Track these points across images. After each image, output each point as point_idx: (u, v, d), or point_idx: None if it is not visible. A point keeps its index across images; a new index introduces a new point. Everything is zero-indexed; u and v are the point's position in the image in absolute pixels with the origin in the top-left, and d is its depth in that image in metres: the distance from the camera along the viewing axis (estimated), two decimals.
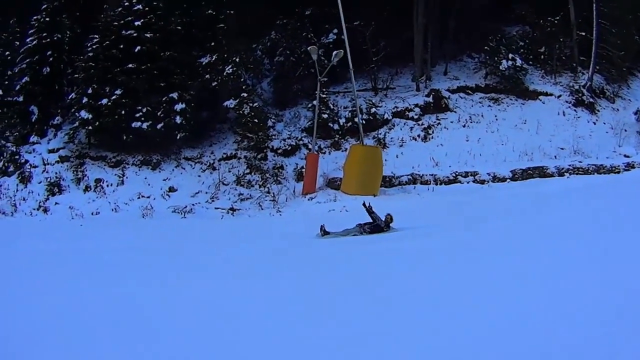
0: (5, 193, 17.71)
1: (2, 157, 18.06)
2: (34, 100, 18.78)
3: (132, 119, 16.45)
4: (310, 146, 16.66)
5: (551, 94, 18.90)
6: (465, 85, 18.83)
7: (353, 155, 15.13)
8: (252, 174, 15.92)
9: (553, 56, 19.26)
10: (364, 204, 10.14)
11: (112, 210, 15.60)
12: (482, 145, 17.73)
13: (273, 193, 15.02)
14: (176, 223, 14.38)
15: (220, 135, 17.29)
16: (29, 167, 17.60)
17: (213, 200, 15.51)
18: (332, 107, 16.90)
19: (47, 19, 19.18)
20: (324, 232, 9.88)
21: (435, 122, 17.84)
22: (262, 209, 14.80)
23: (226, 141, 17.03)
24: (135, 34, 17.13)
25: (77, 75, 17.34)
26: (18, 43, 19.63)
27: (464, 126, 18.05)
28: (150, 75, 16.65)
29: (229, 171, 16.13)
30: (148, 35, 16.80)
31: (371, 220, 9.85)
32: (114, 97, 16.53)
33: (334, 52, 15.42)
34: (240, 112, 15.96)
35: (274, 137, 16.26)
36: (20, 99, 18.85)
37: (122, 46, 17.08)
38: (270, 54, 18.64)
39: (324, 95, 16.92)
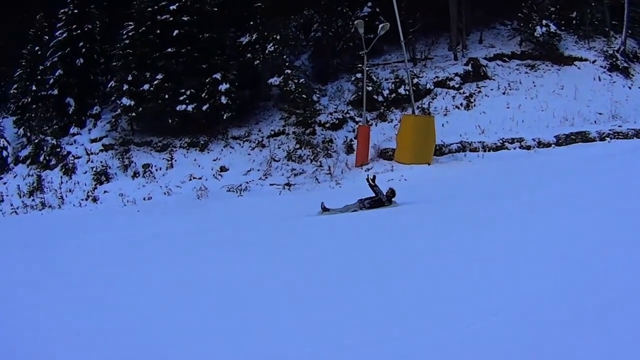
0: (49, 186, 17.45)
1: (42, 151, 17.73)
2: (69, 92, 18.49)
3: (176, 102, 16.18)
4: (357, 119, 16.48)
5: (586, 59, 18.81)
6: (501, 53, 18.72)
7: (406, 125, 14.97)
8: (302, 148, 15.70)
9: (585, 21, 19.17)
10: (367, 178, 9.95)
11: (165, 194, 15.33)
12: (523, 112, 17.61)
13: (329, 166, 14.81)
14: (238, 201, 14.16)
15: (265, 112, 17.05)
16: (72, 158, 17.28)
17: (266, 177, 15.27)
18: (375, 79, 16.71)
19: (76, 10, 18.89)
20: (324, 209, 9.70)
21: (475, 90, 17.71)
22: (318, 183, 14.59)
23: (272, 118, 16.80)
24: (171, 18, 16.86)
25: (114, 64, 17.02)
26: (47, 37, 19.30)
27: (503, 93, 17.92)
28: (191, 58, 16.38)
29: (279, 147, 15.89)
30: (185, 18, 16.53)
31: (372, 195, 9.64)
32: (155, 82, 16.26)
33: (380, 25, 15.26)
34: (287, 88, 15.73)
35: (320, 111, 16.03)
36: (55, 92, 18.54)
37: (158, 31, 16.81)
38: (305, 30, 18.38)
39: (367, 68, 16.74)
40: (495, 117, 17.35)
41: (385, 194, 9.58)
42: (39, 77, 18.77)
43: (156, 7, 17.10)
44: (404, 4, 18.05)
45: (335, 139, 16.00)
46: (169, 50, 16.47)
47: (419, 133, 14.94)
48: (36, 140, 17.74)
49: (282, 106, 16.60)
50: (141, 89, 16.32)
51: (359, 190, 14.12)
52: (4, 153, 18.66)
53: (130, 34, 16.90)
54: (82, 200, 16.15)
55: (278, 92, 16.97)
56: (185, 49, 16.37)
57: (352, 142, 15.82)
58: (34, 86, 18.64)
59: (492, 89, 17.97)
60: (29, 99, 18.67)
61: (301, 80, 15.73)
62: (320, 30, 17.77)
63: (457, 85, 17.58)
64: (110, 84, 17.16)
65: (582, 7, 19.37)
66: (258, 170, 15.52)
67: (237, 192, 14.70)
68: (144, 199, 15.34)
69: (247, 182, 14.97)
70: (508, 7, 19.39)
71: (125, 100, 16.38)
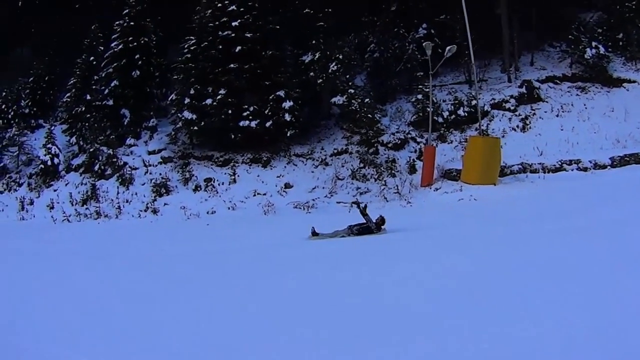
0: (105, 196, 17.17)
1: (97, 161, 17.49)
2: (125, 103, 18.31)
3: (238, 117, 16.04)
4: (418, 139, 16.44)
5: (634, 81, 18.93)
6: (552, 75, 18.84)
7: (473, 146, 14.94)
8: (366, 168, 15.59)
9: (632, 42, 19.34)
10: (357, 205, 9.90)
11: (229, 208, 15.12)
12: (577, 134, 17.68)
13: (396, 185, 14.70)
14: (306, 217, 13.99)
15: (327, 131, 16.97)
16: (129, 169, 17.05)
17: (332, 195, 15.12)
18: (435, 100, 16.69)
19: (132, 23, 18.76)
20: (314, 234, 9.61)
21: (530, 112, 17.75)
22: (387, 201, 14.46)
23: (334, 137, 16.71)
24: (233, 35, 16.77)
25: (175, 77, 16.86)
26: (102, 48, 19.10)
27: (557, 116, 17.99)
28: (253, 75, 16.28)
29: (342, 166, 15.78)
30: (248, 35, 16.45)
31: (361, 222, 9.60)
32: (218, 97, 16.11)
33: (448, 48, 15.27)
34: (351, 108, 15.65)
35: (383, 131, 15.94)
36: (110, 102, 18.37)
37: (220, 46, 16.71)
38: (360, 50, 18.36)
39: (427, 90, 16.73)
40: (550, 139, 17.40)
41: (375, 221, 9.52)
42: (94, 86, 18.61)
43: (217, 22, 17.05)
44: (459, 26, 18.17)
45: (398, 159, 15.92)
46: (232, 65, 16.38)
47: (486, 154, 14.92)
48: (91, 149, 17.52)
49: (343, 125, 16.53)
50: (203, 103, 16.21)
51: (431, 210, 14.15)
52: (56, 160, 18.40)
53: (191, 48, 16.80)
54: (141, 211, 15.90)
55: (338, 111, 16.92)
56: (248, 65, 16.29)
57: (415, 163, 15.77)
58: (88, 95, 18.45)
59: (545, 111, 18.04)
60: (83, 108, 18.46)
61: (365, 100, 15.67)
62: (378, 50, 17.78)
63: (512, 108, 17.62)
64: (170, 96, 17.01)
65: (628, 28, 19.55)
66: (323, 187, 15.38)
67: (304, 209, 14.54)
68: (207, 213, 15.14)
69: (313, 200, 14.82)
70: (557, 29, 19.58)
71: (187, 114, 16.21)
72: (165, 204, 15.80)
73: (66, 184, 18.54)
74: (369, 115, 15.44)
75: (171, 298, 6.02)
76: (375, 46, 17.99)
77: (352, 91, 16.00)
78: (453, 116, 16.79)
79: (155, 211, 15.66)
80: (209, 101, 16.14)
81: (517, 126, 17.49)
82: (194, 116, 16.12)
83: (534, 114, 18.00)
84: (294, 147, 16.48)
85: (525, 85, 18.14)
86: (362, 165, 15.77)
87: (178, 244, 11.34)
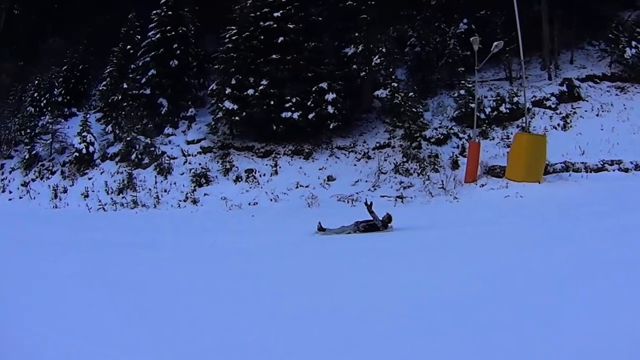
0: (142, 185, 16.89)
1: (134, 150, 17.20)
2: (162, 92, 18.01)
3: (281, 109, 15.73)
4: (460, 135, 16.12)
5: None
6: (592, 74, 18.41)
7: (520, 143, 14.62)
8: (409, 162, 15.27)
9: None
10: (365, 202, 9.72)
11: (271, 200, 14.82)
12: (617, 134, 17.26)
13: (441, 181, 14.39)
14: (351, 210, 13.69)
15: (368, 124, 16.63)
16: (167, 158, 16.76)
17: (375, 189, 14.80)
18: (477, 96, 16.38)
19: (170, 12, 18.45)
20: (320, 229, 9.46)
21: (571, 111, 17.40)
22: (432, 196, 14.17)
23: (376, 130, 16.37)
24: (275, 25, 16.47)
25: (216, 67, 16.56)
26: (139, 37, 18.82)
27: (597, 115, 17.61)
28: (296, 66, 15.95)
29: (385, 160, 15.43)
30: (291, 26, 16.14)
31: (369, 219, 9.42)
32: (261, 88, 15.81)
33: (495, 43, 14.91)
34: (394, 102, 15.34)
35: (427, 126, 15.63)
36: (148, 91, 18.06)
37: (262, 37, 16.41)
38: (398, 44, 18.02)
39: (470, 85, 16.42)
40: (591, 139, 17.02)
41: (381, 219, 9.31)
42: (131, 75, 18.33)
43: (259, 13, 16.75)
44: (500, 22, 17.86)
45: (441, 154, 15.60)
46: (274, 56, 16.06)
47: (532, 151, 14.58)
48: (128, 138, 17.23)
49: (385, 118, 16.22)
50: (245, 93, 15.90)
51: (479, 206, 13.84)
52: (91, 149, 18.12)
53: (233, 37, 16.49)
54: (181, 201, 15.61)
55: (380, 104, 16.61)
56: (290, 56, 15.98)
57: (458, 158, 15.45)
58: (125, 84, 18.16)
59: (585, 110, 17.64)
60: (119, 97, 18.18)
61: (410, 94, 15.36)
62: (419, 44, 17.46)
63: (553, 106, 17.26)
64: (211, 86, 16.68)
65: None
66: (366, 181, 15.04)
67: (348, 202, 14.25)
68: (249, 204, 14.84)
69: (356, 193, 14.51)
70: (596, 27, 19.20)
71: (228, 104, 15.88)
72: (205, 194, 15.49)
73: (101, 173, 18.19)
74: (413, 109, 15.14)
75: (253, 296, 5.42)
76: (415, 40, 17.66)
77: (396, 85, 15.70)
78: (495, 112, 16.45)
79: (195, 201, 15.36)
80: (250, 91, 15.79)
81: (558, 124, 17.12)
82: (236, 106, 15.79)
83: (575, 112, 17.63)
84: (335, 139, 16.10)
85: (566, 83, 17.78)
86: (404, 159, 15.41)
87: (228, 235, 11.06)
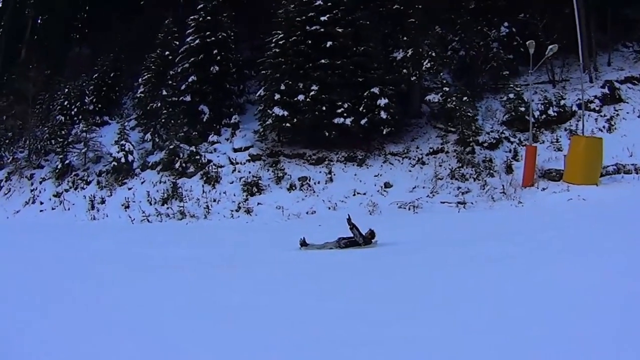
0: (188, 195, 16.02)
1: (178, 158, 16.34)
2: (203, 99, 17.15)
3: (332, 114, 15.04)
4: (511, 139, 15.63)
5: None
6: (630, 76, 17.92)
7: (577, 146, 14.18)
8: (465, 167, 14.75)
9: None
10: (347, 219, 9.05)
11: (329, 208, 13.99)
12: None
13: (502, 185, 13.90)
14: (414, 218, 13.11)
15: (419, 129, 15.92)
16: (214, 167, 15.93)
17: (433, 195, 14.21)
18: (525, 100, 15.97)
19: (208, 18, 17.66)
20: (303, 244, 9.02)
21: (614, 113, 17.04)
22: (494, 201, 13.67)
23: (428, 135, 15.67)
24: (322, 30, 15.82)
25: (263, 72, 15.80)
26: (177, 43, 17.99)
27: (638, 117, 17.35)
28: (346, 71, 15.30)
29: (440, 165, 14.86)
30: (339, 30, 15.51)
31: (350, 236, 8.86)
32: (311, 93, 15.12)
33: (550, 47, 14.42)
34: (447, 106, 14.83)
35: (481, 130, 15.12)
36: (188, 98, 17.18)
37: (310, 41, 15.74)
38: (439, 48, 17.50)
39: (518, 89, 15.99)
40: (636, 140, 16.73)
41: (364, 234, 8.81)
42: (170, 82, 17.49)
43: (304, 17, 16.09)
44: (542, 25, 17.50)
45: (494, 158, 15.12)
46: (322, 61, 15.34)
47: (590, 154, 14.19)
48: (171, 146, 16.35)
49: (436, 124, 15.68)
50: (295, 99, 15.20)
51: (545, 209, 13.29)
52: (130, 157, 17.18)
53: (280, 42, 15.79)
54: (233, 211, 14.77)
55: (428, 109, 16.08)
56: (340, 60, 15.30)
57: (512, 163, 14.98)
58: (164, 91, 17.33)
59: (627, 112, 17.23)
60: (158, 104, 17.33)
61: (463, 98, 14.85)
62: (463, 48, 16.97)
63: (597, 108, 16.90)
64: (259, 92, 15.85)
65: None
66: (423, 187, 14.38)
67: (409, 209, 13.65)
68: (307, 213, 14.12)
69: (416, 199, 13.91)
70: (629, 29, 18.97)
71: (278, 110, 15.11)
72: (258, 204, 14.65)
73: (142, 182, 17.04)
74: (468, 113, 14.65)
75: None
76: (457, 44, 17.14)
77: (447, 89, 15.19)
78: (544, 116, 16.00)
79: (248, 211, 14.41)
80: (301, 97, 14.99)
81: (603, 127, 16.72)
82: (286, 113, 15.02)
83: (617, 114, 17.29)
84: (388, 145, 15.26)
85: (608, 85, 17.47)
86: (459, 164, 14.92)
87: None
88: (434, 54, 15.32)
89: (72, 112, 19.55)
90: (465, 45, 16.92)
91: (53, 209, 18.59)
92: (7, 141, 20.53)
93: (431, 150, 15.22)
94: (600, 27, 19.06)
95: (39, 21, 22.35)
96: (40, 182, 19.75)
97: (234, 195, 14.91)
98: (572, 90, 17.36)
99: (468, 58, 16.82)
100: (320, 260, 8.19)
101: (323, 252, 8.79)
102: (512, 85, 16.07)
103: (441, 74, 15.26)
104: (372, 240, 8.87)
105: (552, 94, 16.71)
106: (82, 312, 4.64)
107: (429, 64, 15.25)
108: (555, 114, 16.14)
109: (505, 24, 17.62)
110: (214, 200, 15.08)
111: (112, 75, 19.96)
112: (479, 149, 15.16)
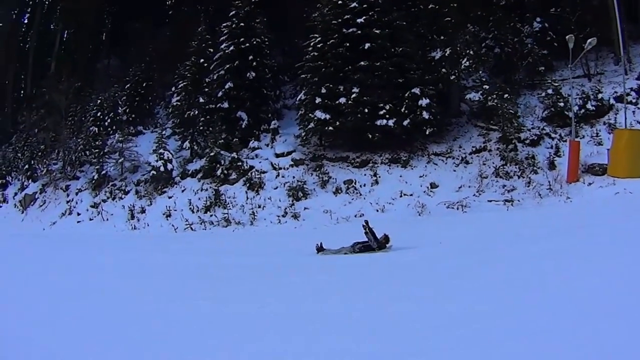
0: (232, 202, 15.96)
1: (219, 165, 16.30)
2: (241, 105, 17.06)
3: (375, 116, 14.98)
4: (552, 135, 15.56)
5: None
6: None
7: (621, 139, 14.08)
8: (508, 165, 14.69)
9: None
10: (363, 225, 9.12)
11: (377, 210, 13.90)
12: None
13: (549, 181, 13.83)
14: (464, 217, 13.05)
15: (460, 128, 15.82)
16: (257, 173, 15.89)
17: (479, 194, 14.13)
18: (564, 95, 15.88)
19: (241, 24, 17.60)
20: (319, 249, 9.06)
21: None
22: (541, 198, 13.62)
23: (470, 134, 15.53)
24: (359, 32, 15.76)
25: (303, 76, 15.73)
26: (212, 50, 17.94)
27: None
28: (385, 72, 15.25)
29: (484, 164, 14.79)
30: (377, 31, 15.44)
31: (364, 240, 8.92)
32: (353, 95, 15.07)
33: (588, 40, 14.29)
34: (488, 104, 14.77)
35: (523, 127, 15.05)
36: (225, 105, 17.13)
37: (348, 44, 15.67)
38: (476, 46, 17.36)
39: (557, 84, 15.91)
40: None
41: (379, 239, 8.85)
42: (206, 89, 17.44)
43: (340, 20, 16.03)
44: (574, 18, 17.40)
45: (537, 155, 15.06)
46: (362, 63, 15.26)
47: (634, 147, 14.10)
48: (212, 153, 16.30)
49: (476, 122, 15.61)
50: (337, 102, 15.12)
51: (595, 204, 13.07)
52: (169, 166, 17.13)
53: (318, 46, 15.74)
54: (280, 216, 14.73)
55: (467, 108, 16.03)
56: (379, 62, 15.24)
57: (554, 159, 14.90)
58: (201, 98, 17.30)
59: None
60: (196, 111, 17.29)
61: (504, 95, 14.79)
62: (497, 45, 16.89)
63: (634, 101, 16.82)
64: (299, 96, 15.75)
65: None
66: (469, 186, 14.29)
67: (457, 208, 13.59)
68: (355, 216, 14.07)
69: (464, 199, 13.84)
70: None
71: (320, 114, 15.03)
72: (305, 208, 14.59)
73: (183, 190, 16.85)
74: (511, 110, 14.59)
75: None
76: (491, 41, 17.07)
77: (487, 87, 15.14)
78: (582, 110, 15.90)
79: (296, 216, 14.26)
80: (342, 100, 14.93)
81: None
82: (328, 116, 14.97)
83: None
84: (430, 145, 15.14)
85: None
86: (503, 162, 14.86)
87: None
88: (471, 52, 15.23)
89: (106, 123, 19.50)
90: (500, 42, 16.81)
91: (91, 219, 18.54)
92: (39, 154, 20.54)
93: (474, 149, 15.11)
94: (631, 19, 18.96)
95: (66, 35, 22.29)
96: (77, 193, 19.73)
97: (280, 200, 14.81)
98: (608, 83, 17.21)
99: (503, 55, 16.73)
100: (388, 261, 8.06)
101: (382, 255, 8.62)
102: (549, 81, 15.97)
103: (480, 72, 15.15)
104: (387, 245, 8.89)
105: (589, 87, 16.56)
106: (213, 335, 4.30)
107: (467, 63, 15.16)
108: (594, 108, 16.00)
109: (538, 19, 17.51)
110: (259, 206, 14.96)
111: (144, 85, 19.89)
112: (521, 146, 15.03)
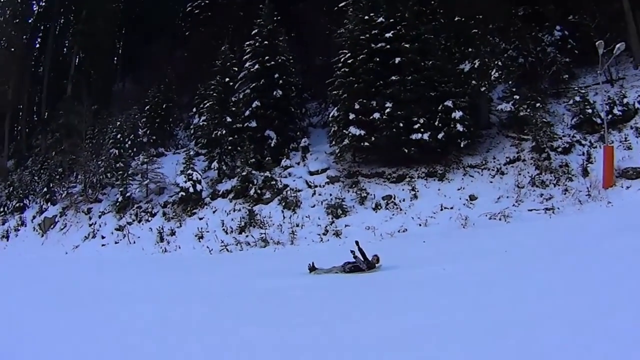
0: (267, 222, 15.60)
1: (252, 185, 15.95)
2: (269, 124, 16.79)
3: (410, 131, 14.87)
4: (582, 142, 15.62)
5: None
6: None
7: None
8: (543, 173, 14.67)
9: None
10: (356, 242, 9.36)
11: (420, 225, 13.73)
12: None
13: (587, 187, 13.81)
14: (508, 228, 12.93)
15: (491, 140, 15.70)
16: (292, 191, 15.59)
17: (518, 204, 14.06)
18: (590, 101, 15.97)
19: (265, 42, 17.35)
20: (312, 269, 9.25)
21: None
22: (581, 204, 13.60)
23: (502, 145, 15.40)
24: (387, 47, 15.66)
25: (334, 92, 15.50)
26: (236, 69, 17.63)
27: None
28: (417, 86, 15.16)
29: (519, 174, 14.75)
30: (407, 45, 15.36)
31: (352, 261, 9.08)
32: (387, 110, 14.95)
33: (617, 45, 14.45)
34: (520, 114, 14.76)
35: (556, 136, 15.07)
36: (254, 124, 16.84)
37: (377, 59, 15.57)
38: (502, 57, 17.32)
39: (583, 91, 15.99)
40: None
41: (370, 259, 9.00)
42: (233, 108, 17.11)
43: (368, 35, 15.93)
44: (594, 25, 17.56)
45: (570, 162, 15.08)
46: (393, 77, 15.17)
47: None
48: (243, 173, 15.97)
49: (506, 133, 15.56)
50: (371, 117, 14.92)
51: (634, 209, 13.28)
52: (198, 187, 16.73)
53: (348, 61, 15.58)
54: (321, 234, 14.39)
55: (496, 119, 16.00)
56: (410, 76, 15.16)
57: (587, 165, 14.95)
58: (228, 118, 16.96)
59: None
60: (223, 131, 16.94)
61: (536, 104, 14.80)
62: (520, 55, 16.95)
63: None
64: (331, 112, 15.45)
65: None
66: (507, 197, 14.22)
67: (500, 219, 13.50)
68: (399, 231, 13.86)
69: (505, 209, 13.74)
70: None
71: (354, 130, 14.83)
72: (346, 226, 14.31)
73: (214, 211, 16.31)
74: (544, 120, 14.59)
75: None
76: (514, 52, 17.18)
77: (517, 97, 15.15)
78: (610, 116, 16.01)
79: (337, 234, 13.82)
80: (376, 115, 14.88)
81: None
82: (362, 132, 14.84)
83: None
84: (464, 158, 14.96)
85: None
86: (538, 171, 14.83)
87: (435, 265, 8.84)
88: (499, 63, 15.24)
89: (126, 145, 19.02)
90: (522, 52, 16.88)
91: (116, 242, 17.98)
92: (57, 177, 19.91)
93: (508, 159, 14.99)
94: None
95: (79, 58, 21.73)
96: (100, 216, 19.14)
97: (319, 218, 14.46)
98: (630, 87, 17.25)
99: (527, 65, 16.78)
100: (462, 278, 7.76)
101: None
102: (575, 88, 16.04)
103: (510, 82, 15.15)
104: (377, 265, 8.95)
105: (614, 93, 16.62)
106: None
107: (496, 74, 15.16)
108: (621, 113, 15.98)
109: (558, 27, 17.62)
110: (297, 225, 14.67)
111: (163, 106, 19.44)
112: (554, 155, 14.99)
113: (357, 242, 9.14)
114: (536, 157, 14.83)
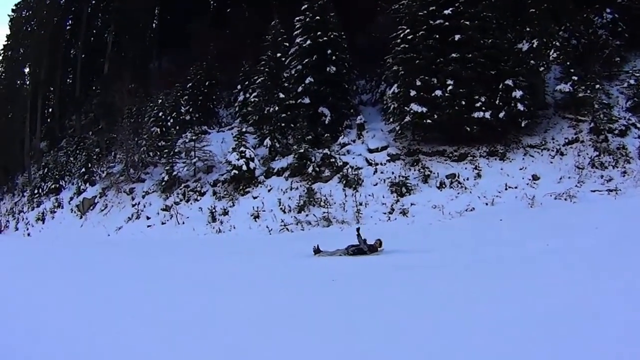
0: (329, 200, 15.24)
1: (310, 162, 15.59)
2: (322, 100, 16.30)
3: (471, 109, 14.63)
4: (638, 125, 15.63)
5: None
6: None
7: None
8: (602, 155, 14.64)
9: None
10: (357, 229, 9.50)
11: (486, 204, 13.55)
12: None
13: None
14: (575, 208, 12.85)
15: (549, 120, 15.62)
16: (353, 169, 15.28)
17: (580, 185, 14.04)
18: None
19: (317, 17, 16.76)
20: (316, 251, 9.47)
21: None
22: None
23: (560, 126, 15.21)
24: (446, 23, 15.30)
25: (395, 68, 15.04)
26: (287, 44, 17.04)
27: None
28: (477, 64, 14.85)
29: (579, 155, 14.67)
30: (467, 23, 15.02)
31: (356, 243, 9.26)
32: (448, 88, 14.66)
33: None
34: (578, 95, 14.63)
35: (614, 117, 15.00)
36: (307, 100, 16.34)
37: (437, 35, 15.20)
38: (556, 36, 17.01)
39: (638, 74, 15.91)
40: None
41: (372, 244, 9.19)
42: (286, 84, 16.56)
43: (426, 11, 15.52)
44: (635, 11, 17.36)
45: (627, 144, 15.08)
46: (453, 55, 14.87)
47: None
48: (300, 150, 15.61)
49: (563, 114, 15.47)
50: (433, 95, 14.65)
51: None
52: (252, 165, 16.29)
53: (408, 37, 15.17)
54: (388, 213, 14.19)
55: (552, 99, 15.86)
56: (471, 54, 14.86)
57: None
58: (281, 94, 16.41)
59: None
60: (276, 107, 16.41)
61: (596, 86, 14.68)
62: (573, 37, 16.75)
63: None
64: (392, 89, 15.07)
65: None
66: (569, 177, 14.20)
67: (566, 199, 13.47)
68: (466, 210, 13.75)
69: (569, 189, 13.74)
70: None
71: (416, 107, 14.53)
72: (412, 204, 14.14)
73: (269, 190, 15.91)
74: (604, 101, 14.51)
75: None
76: (565, 33, 16.95)
77: (576, 78, 14.99)
78: None
79: (404, 212, 13.51)
80: (438, 92, 14.60)
81: None
82: (424, 109, 14.57)
83: None
84: (524, 138, 14.73)
85: None
86: (597, 153, 14.81)
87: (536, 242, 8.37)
88: (557, 44, 15.02)
89: (168, 123, 18.39)
90: (575, 34, 16.68)
91: (163, 223, 17.45)
92: (94, 157, 19.16)
93: (566, 140, 14.80)
94: None
95: (114, 36, 20.71)
96: (143, 196, 18.52)
97: (383, 197, 14.11)
98: None
99: (580, 47, 16.60)
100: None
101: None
102: (629, 71, 15.96)
103: (568, 62, 14.96)
104: (379, 249, 9.12)
105: None
106: None
107: (555, 54, 14.96)
108: None
109: (608, 10, 17.42)
110: (361, 204, 14.43)
111: (206, 84, 18.76)
112: (611, 137, 15.01)
113: (357, 229, 9.42)
114: (594, 138, 14.68)
